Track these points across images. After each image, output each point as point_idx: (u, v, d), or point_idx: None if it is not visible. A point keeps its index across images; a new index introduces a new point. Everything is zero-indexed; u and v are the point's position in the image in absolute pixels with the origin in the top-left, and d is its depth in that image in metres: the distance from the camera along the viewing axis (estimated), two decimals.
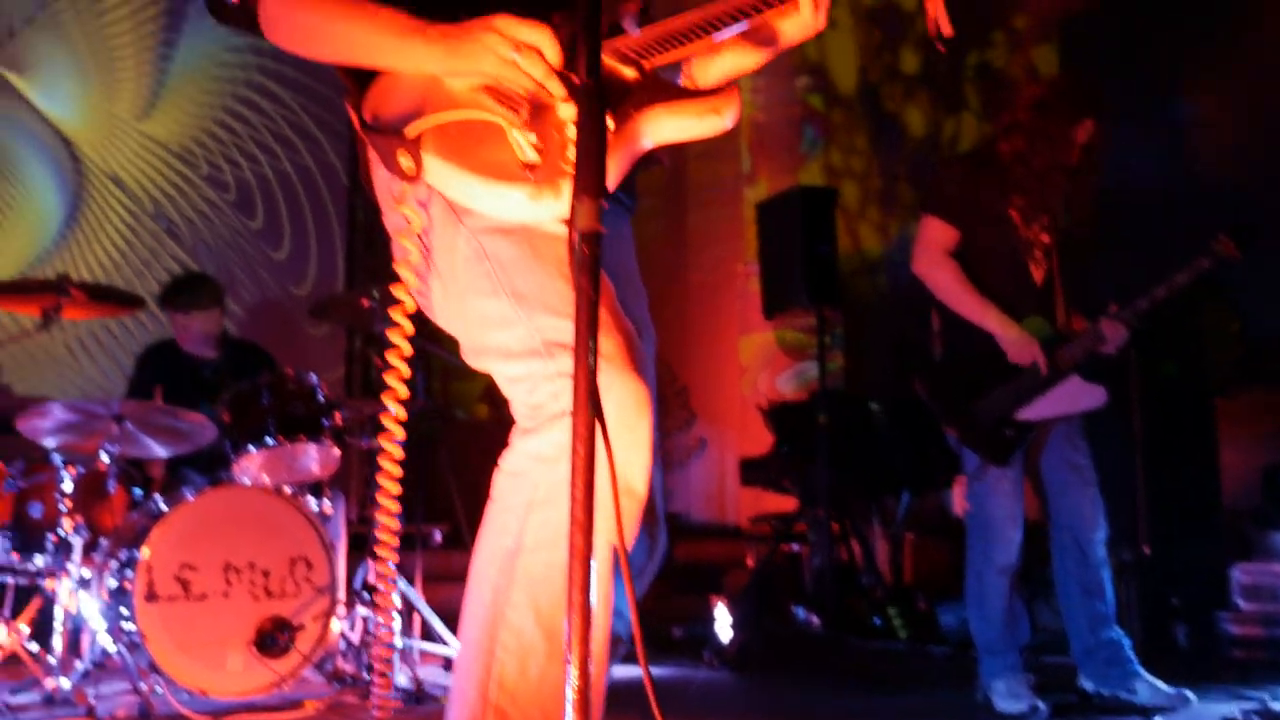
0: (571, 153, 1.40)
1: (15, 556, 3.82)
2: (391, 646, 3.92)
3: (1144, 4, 6.05)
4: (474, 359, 1.74)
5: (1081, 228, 3.68)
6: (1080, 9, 6.62)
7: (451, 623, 4.10)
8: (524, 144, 1.60)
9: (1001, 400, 3.54)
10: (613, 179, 1.64)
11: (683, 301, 8.06)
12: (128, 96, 6.37)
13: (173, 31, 6.45)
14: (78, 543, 3.73)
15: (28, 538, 3.84)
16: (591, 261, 1.26)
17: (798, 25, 1.80)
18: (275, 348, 5.19)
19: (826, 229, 5.45)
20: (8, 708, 3.53)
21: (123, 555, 3.67)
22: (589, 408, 1.24)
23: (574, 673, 1.19)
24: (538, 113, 1.61)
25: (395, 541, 1.77)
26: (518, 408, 1.68)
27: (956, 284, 3.59)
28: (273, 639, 3.65)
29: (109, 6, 6.32)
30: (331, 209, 6.85)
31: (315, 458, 4.08)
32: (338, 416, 4.09)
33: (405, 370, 1.70)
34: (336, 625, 3.82)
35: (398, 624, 3.99)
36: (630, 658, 3.26)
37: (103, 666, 3.72)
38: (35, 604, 3.83)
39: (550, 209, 1.59)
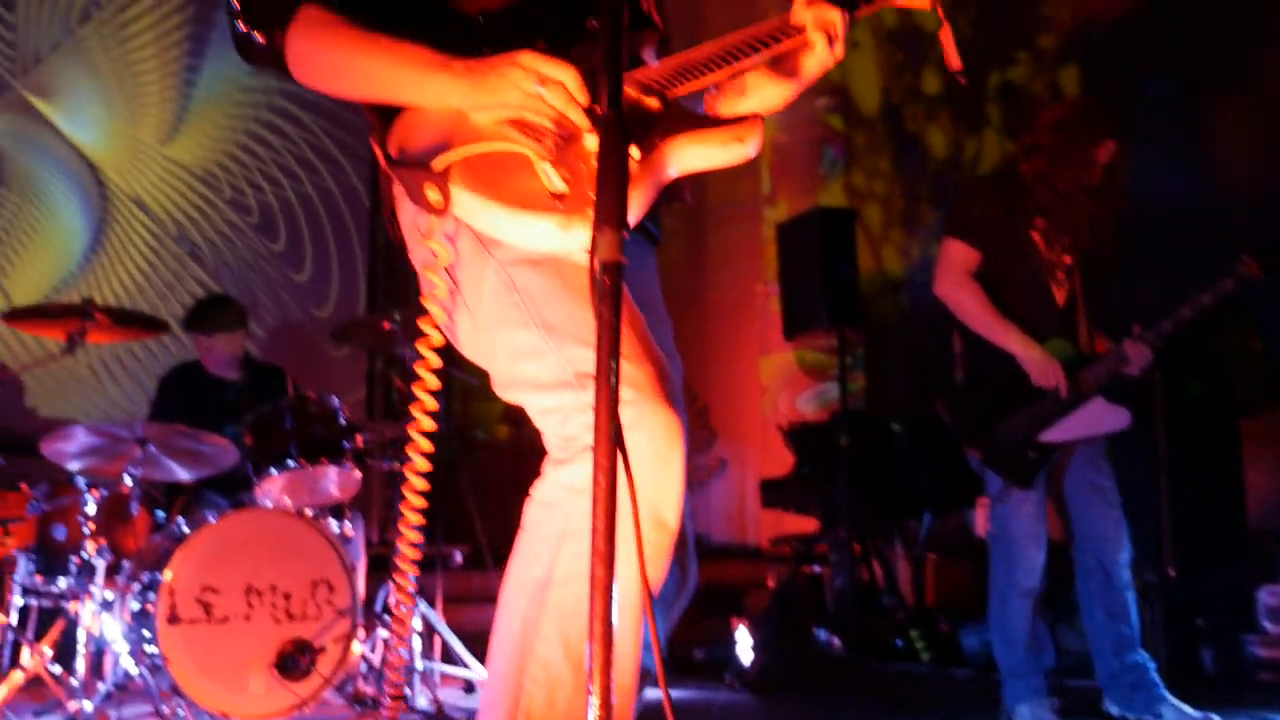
0: None
1: (39, 579, 3.85)
2: (411, 669, 3.92)
3: (1167, 23, 6.04)
4: (504, 391, 1.73)
5: (1103, 248, 3.66)
6: (1103, 29, 6.61)
7: (472, 644, 4.10)
8: (551, 174, 1.60)
9: (1024, 422, 3.52)
10: (640, 208, 1.64)
11: (703, 321, 8.06)
12: (152, 121, 6.43)
13: (196, 57, 6.51)
14: (101, 565, 3.74)
15: (51, 560, 3.87)
16: (613, 291, 1.26)
17: (815, 60, 1.80)
18: (297, 369, 5.21)
19: (847, 250, 5.45)
20: None
21: (145, 578, 3.69)
22: (610, 438, 1.24)
23: (595, 703, 1.19)
24: (565, 143, 1.62)
25: (415, 569, 1.77)
26: (550, 439, 1.67)
27: (978, 306, 3.58)
28: (294, 661, 3.65)
29: (134, 33, 6.38)
30: (353, 231, 6.88)
31: (336, 480, 4.09)
32: (359, 439, 4.10)
33: (432, 404, 1.69)
34: (357, 647, 3.82)
35: (417, 645, 3.99)
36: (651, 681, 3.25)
37: (125, 689, 3.73)
38: (58, 626, 3.85)
39: (579, 239, 1.59)
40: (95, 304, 3.96)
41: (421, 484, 1.73)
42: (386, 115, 1.71)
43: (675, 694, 4.49)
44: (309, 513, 3.90)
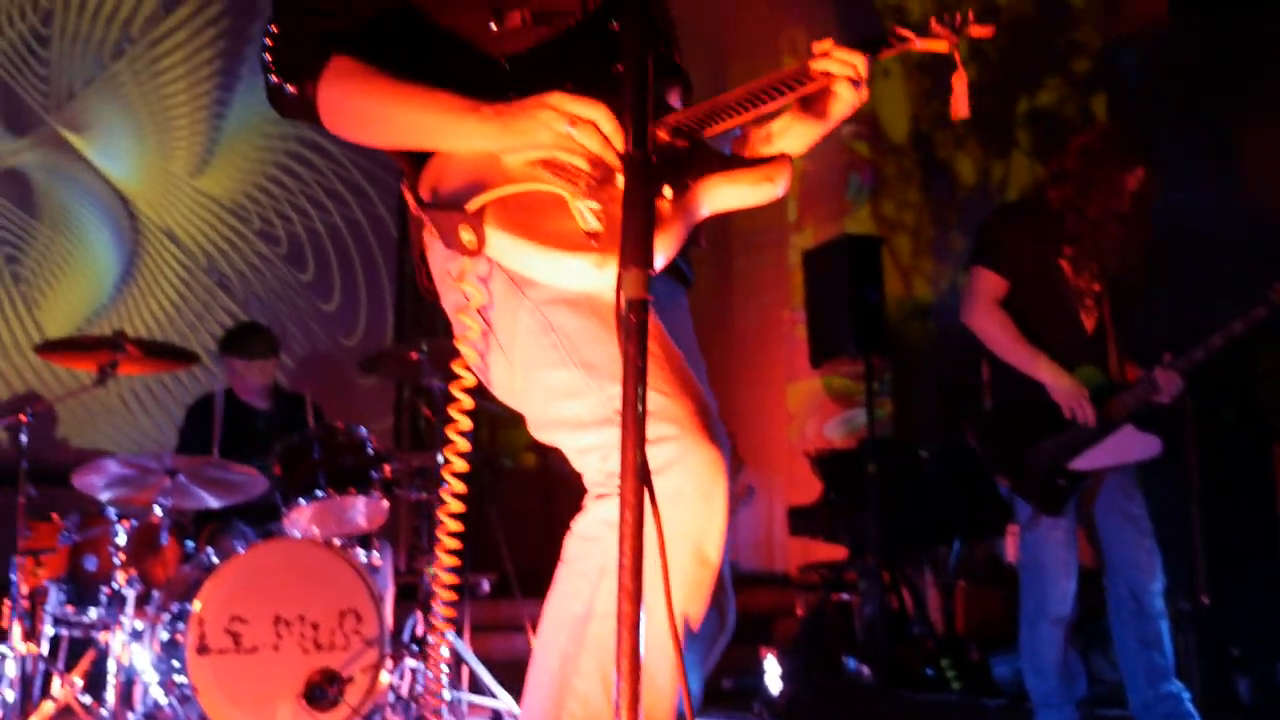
0: None
1: (70, 609, 3.87)
2: (441, 698, 3.92)
3: (1198, 46, 6.02)
4: (541, 432, 1.73)
5: (1133, 275, 3.64)
6: (1133, 53, 6.59)
7: (499, 673, 4.09)
8: (586, 213, 1.60)
9: (1053, 450, 3.50)
10: (672, 248, 1.65)
11: (730, 348, 8.05)
12: (183, 154, 6.50)
13: (226, 91, 6.59)
14: (131, 595, 3.76)
15: (82, 590, 3.90)
16: (639, 328, 1.27)
17: (842, 103, 1.82)
18: (325, 398, 5.23)
19: (873, 277, 5.44)
20: None
21: (175, 608, 3.70)
22: (636, 473, 1.24)
23: None
24: (599, 183, 1.62)
25: (452, 610, 1.78)
26: (591, 475, 1.67)
27: (1006, 334, 3.57)
28: (322, 691, 3.65)
29: (165, 68, 6.47)
30: (381, 262, 6.93)
31: (364, 510, 4.10)
32: (386, 469, 4.11)
33: (465, 445, 1.70)
34: (385, 677, 3.82)
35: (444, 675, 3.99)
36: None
37: (154, 719, 3.75)
38: (89, 656, 3.87)
39: (614, 277, 1.60)
40: (126, 336, 4.00)
41: (456, 525, 1.74)
42: (417, 161, 1.73)
43: None
44: (337, 542, 3.91)
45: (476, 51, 1.78)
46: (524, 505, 6.44)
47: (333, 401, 5.68)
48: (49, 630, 3.86)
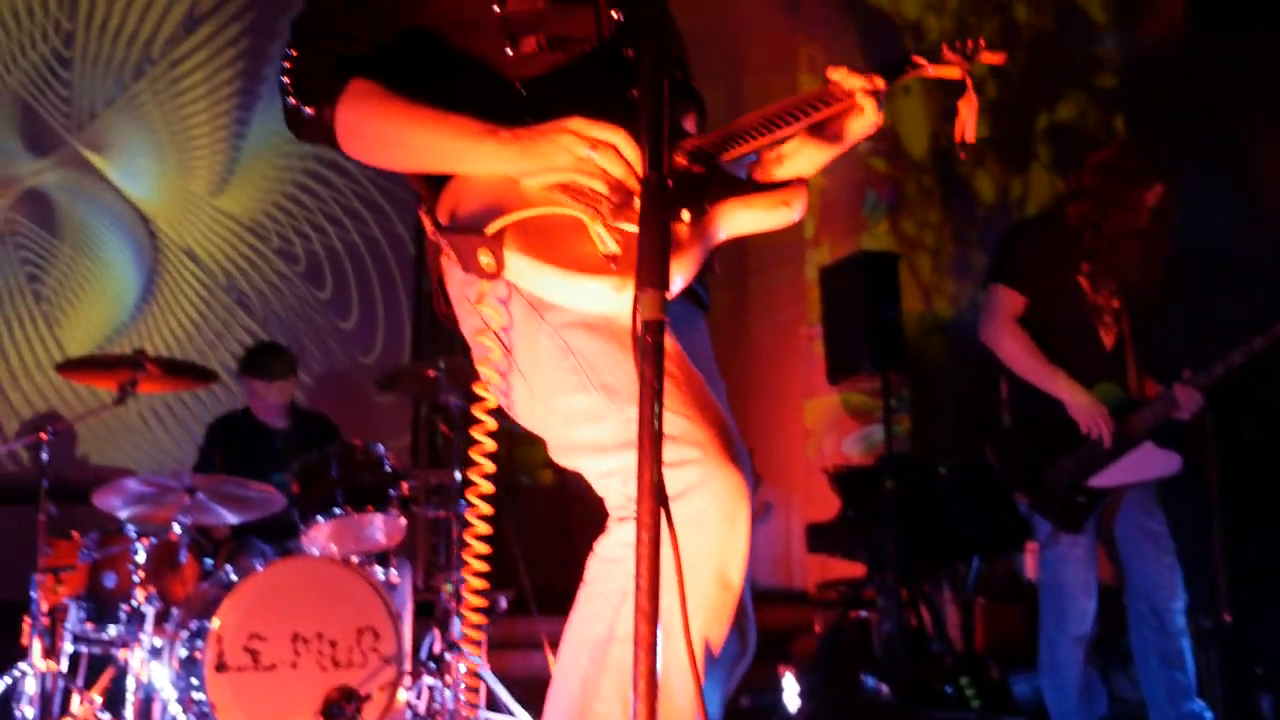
0: None
1: (90, 626, 3.89)
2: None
3: (1218, 61, 6.00)
4: (562, 456, 1.73)
5: (1152, 291, 3.63)
6: (1153, 69, 6.58)
7: (517, 690, 4.08)
8: (605, 236, 1.60)
9: (1072, 467, 3.48)
10: (690, 271, 1.64)
11: (747, 364, 8.04)
12: (203, 174, 6.55)
13: (246, 110, 6.63)
14: (150, 613, 3.78)
15: (102, 608, 3.91)
16: (655, 349, 1.27)
17: (863, 123, 1.84)
18: (343, 415, 5.24)
19: (890, 293, 5.43)
20: None
21: (193, 625, 3.71)
22: (653, 495, 1.24)
23: None
24: (619, 206, 1.62)
25: (481, 634, 1.79)
26: (613, 499, 1.66)
27: (1025, 351, 3.56)
28: (340, 709, 3.65)
29: (185, 88, 6.52)
30: (399, 279, 6.95)
31: (382, 527, 4.11)
32: (404, 486, 4.12)
33: (489, 467, 1.71)
34: (403, 695, 3.82)
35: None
36: None
37: None
38: (108, 674, 3.89)
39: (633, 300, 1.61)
40: (146, 354, 4.02)
41: (483, 548, 1.74)
42: (435, 185, 1.73)
43: None
44: (355, 560, 3.92)
45: (493, 75, 1.78)
46: (541, 522, 6.43)
47: (351, 418, 5.69)
48: (69, 647, 3.88)
